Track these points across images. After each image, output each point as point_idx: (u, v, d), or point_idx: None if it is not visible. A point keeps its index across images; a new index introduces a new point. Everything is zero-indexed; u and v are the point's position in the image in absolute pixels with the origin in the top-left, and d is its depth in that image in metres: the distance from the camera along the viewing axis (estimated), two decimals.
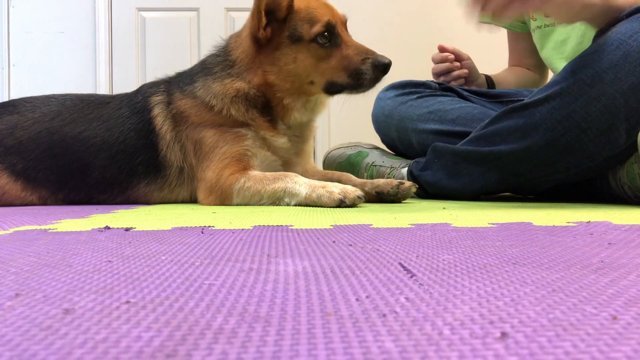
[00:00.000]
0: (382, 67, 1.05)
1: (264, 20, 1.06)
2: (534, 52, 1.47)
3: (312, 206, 0.93)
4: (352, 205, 0.91)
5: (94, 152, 1.13)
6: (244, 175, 1.03)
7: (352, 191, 0.92)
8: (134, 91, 1.23)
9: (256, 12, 1.06)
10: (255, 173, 1.04)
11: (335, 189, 0.92)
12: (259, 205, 1.00)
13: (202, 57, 1.23)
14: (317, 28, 1.06)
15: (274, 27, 1.07)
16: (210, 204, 1.07)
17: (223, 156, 1.07)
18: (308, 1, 1.11)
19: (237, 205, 1.04)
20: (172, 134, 1.13)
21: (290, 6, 1.07)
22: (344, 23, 1.13)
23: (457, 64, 1.39)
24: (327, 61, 1.07)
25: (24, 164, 1.13)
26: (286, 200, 0.97)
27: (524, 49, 1.50)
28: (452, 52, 1.39)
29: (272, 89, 1.09)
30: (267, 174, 1.02)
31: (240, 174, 1.04)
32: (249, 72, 1.10)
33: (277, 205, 0.98)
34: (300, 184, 0.96)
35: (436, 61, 1.41)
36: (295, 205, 0.96)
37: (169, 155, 1.13)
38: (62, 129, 1.15)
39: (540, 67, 1.52)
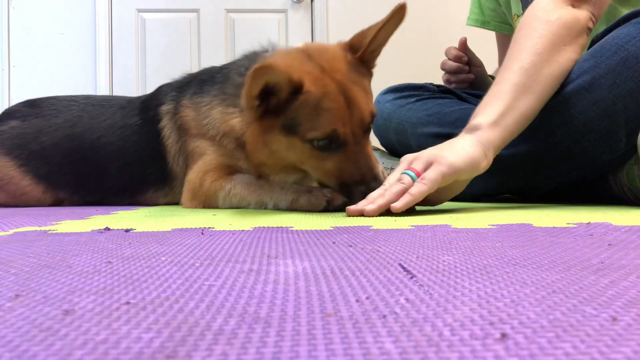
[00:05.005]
0: None
1: (255, 103, 0.86)
2: None
3: (300, 211, 0.89)
4: (340, 208, 0.86)
5: (109, 160, 1.17)
6: (229, 181, 0.99)
7: (339, 196, 0.88)
8: (150, 95, 1.21)
9: (246, 96, 0.85)
10: (241, 177, 0.99)
11: (321, 192, 0.88)
12: (246, 209, 0.97)
13: (238, 55, 1.13)
14: (313, 134, 0.85)
15: (272, 101, 0.86)
16: (193, 208, 1.02)
17: (210, 162, 1.03)
18: (327, 87, 0.85)
19: (222, 208, 1.00)
20: (177, 146, 1.12)
21: (296, 91, 0.84)
22: (364, 125, 0.88)
23: (467, 68, 1.36)
24: (322, 162, 0.89)
25: (47, 168, 1.19)
26: (272, 205, 0.93)
27: None
28: (467, 55, 1.35)
29: (261, 167, 0.98)
30: (254, 178, 0.98)
31: (224, 180, 1.00)
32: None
33: (264, 209, 0.94)
34: (287, 189, 0.92)
35: (449, 57, 1.36)
36: (284, 209, 0.92)
37: (175, 168, 1.12)
38: (82, 135, 1.19)
39: None
